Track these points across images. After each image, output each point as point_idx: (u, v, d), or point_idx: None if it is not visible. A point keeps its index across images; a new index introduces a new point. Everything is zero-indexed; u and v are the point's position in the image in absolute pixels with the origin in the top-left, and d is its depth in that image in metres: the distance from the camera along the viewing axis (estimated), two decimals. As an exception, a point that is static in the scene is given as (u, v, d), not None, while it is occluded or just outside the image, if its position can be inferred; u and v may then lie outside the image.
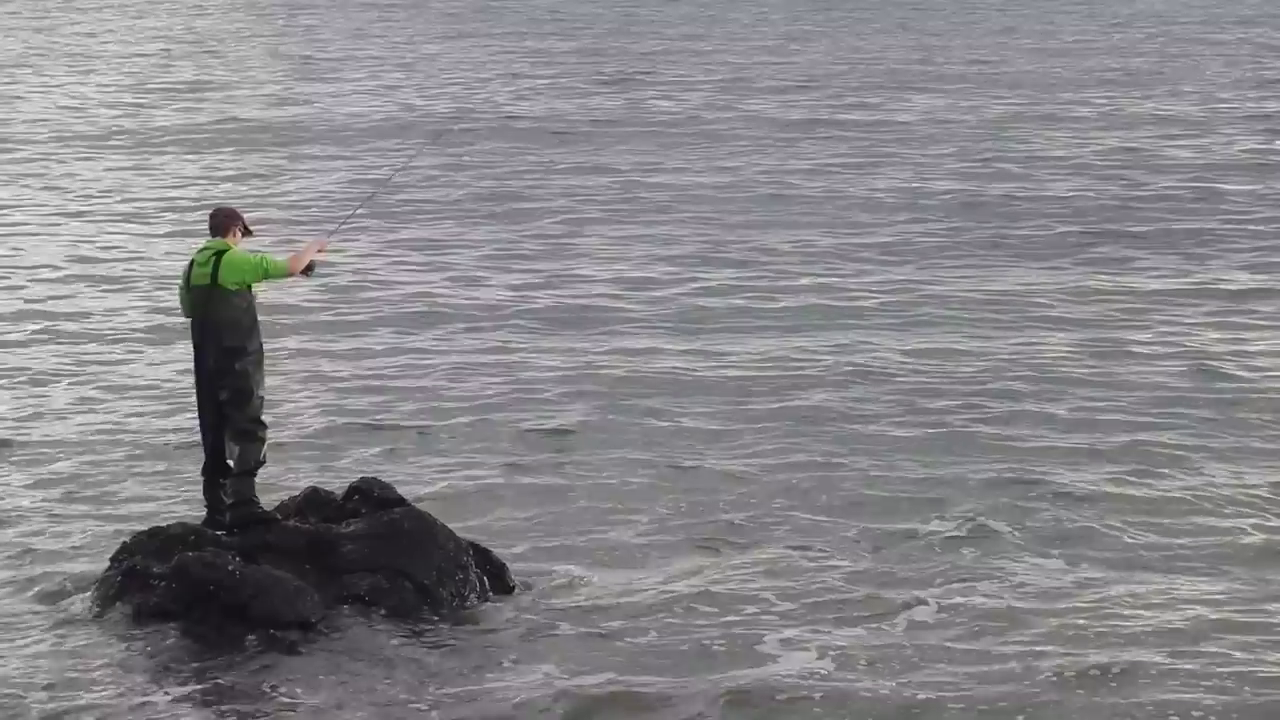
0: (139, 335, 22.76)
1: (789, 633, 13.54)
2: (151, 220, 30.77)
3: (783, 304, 24.42)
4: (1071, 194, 32.77)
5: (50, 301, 24.73)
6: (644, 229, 29.53)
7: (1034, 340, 22.46)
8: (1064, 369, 21.14)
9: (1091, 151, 37.52)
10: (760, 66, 53.17)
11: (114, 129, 41.23)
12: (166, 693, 12.54)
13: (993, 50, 57.73)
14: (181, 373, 20.26)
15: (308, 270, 14.12)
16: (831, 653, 13.16)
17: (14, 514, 16.18)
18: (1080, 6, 74.29)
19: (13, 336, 22.81)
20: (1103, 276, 26.15)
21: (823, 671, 12.88)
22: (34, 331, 23.05)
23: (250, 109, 44.33)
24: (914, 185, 33.57)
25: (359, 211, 17.85)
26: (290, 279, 14.29)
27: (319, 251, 14.21)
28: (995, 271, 26.48)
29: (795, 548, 15.32)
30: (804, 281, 25.63)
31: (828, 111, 43.43)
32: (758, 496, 16.62)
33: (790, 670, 12.91)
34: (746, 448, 18.06)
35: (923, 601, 14.10)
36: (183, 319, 14.31)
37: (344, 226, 15.23)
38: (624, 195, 32.63)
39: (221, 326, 13.78)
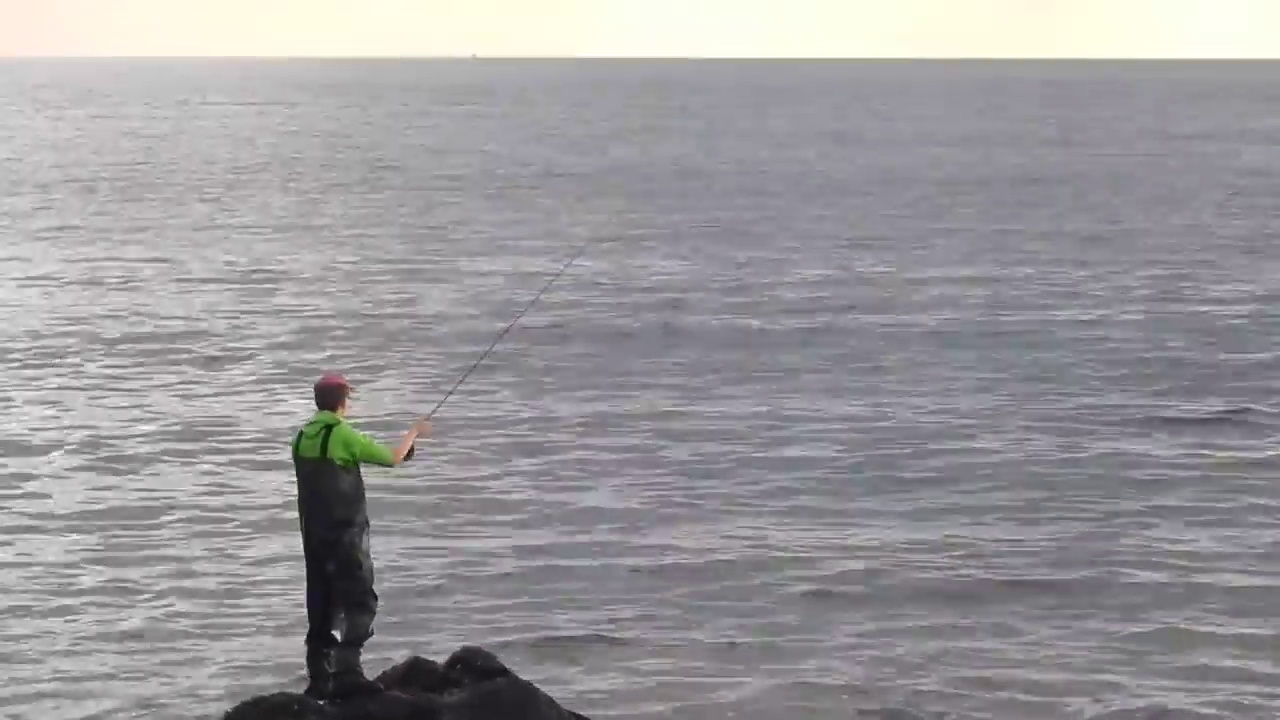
0: (254, 503, 22.76)
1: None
2: (254, 363, 30.93)
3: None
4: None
5: (155, 462, 24.89)
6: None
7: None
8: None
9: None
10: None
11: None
12: None
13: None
14: (278, 539, 20.29)
15: (409, 454, 14.15)
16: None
17: (117, 678, 16.18)
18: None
19: (110, 497, 22.93)
20: None
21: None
22: (133, 488, 23.17)
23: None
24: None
25: (460, 386, 17.75)
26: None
27: (420, 435, 14.20)
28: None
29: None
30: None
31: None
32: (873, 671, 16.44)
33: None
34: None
35: None
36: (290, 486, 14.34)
37: (443, 405, 15.21)
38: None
39: (330, 498, 13.81)
